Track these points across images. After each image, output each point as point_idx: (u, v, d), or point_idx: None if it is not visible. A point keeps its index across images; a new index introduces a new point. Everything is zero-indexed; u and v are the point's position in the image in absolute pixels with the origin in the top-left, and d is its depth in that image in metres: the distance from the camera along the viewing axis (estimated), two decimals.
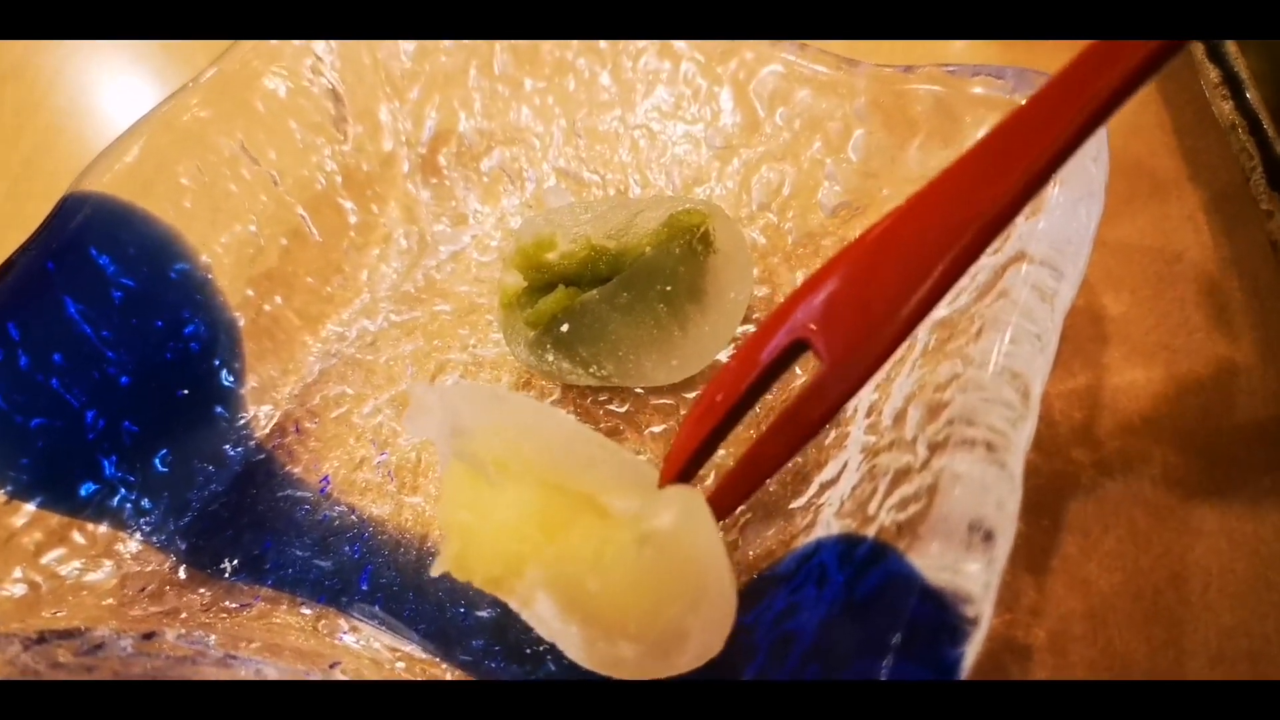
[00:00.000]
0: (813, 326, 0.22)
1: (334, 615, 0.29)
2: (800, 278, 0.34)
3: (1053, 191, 0.24)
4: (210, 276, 0.34)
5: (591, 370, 0.31)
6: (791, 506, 0.28)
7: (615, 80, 0.38)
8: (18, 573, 0.29)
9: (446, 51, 0.39)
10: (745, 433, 0.31)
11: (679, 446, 0.25)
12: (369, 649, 0.28)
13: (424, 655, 0.28)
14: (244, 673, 0.26)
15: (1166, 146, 0.37)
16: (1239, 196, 0.34)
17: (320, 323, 0.37)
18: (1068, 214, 0.24)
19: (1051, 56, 0.22)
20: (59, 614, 0.28)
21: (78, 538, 0.30)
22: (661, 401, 0.33)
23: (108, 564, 0.30)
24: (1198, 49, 0.34)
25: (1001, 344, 0.22)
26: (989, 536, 0.19)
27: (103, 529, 0.31)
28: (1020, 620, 0.27)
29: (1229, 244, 0.34)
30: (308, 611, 0.30)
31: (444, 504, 0.24)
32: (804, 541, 0.26)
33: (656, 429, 0.32)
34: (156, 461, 0.32)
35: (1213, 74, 0.33)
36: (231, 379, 0.34)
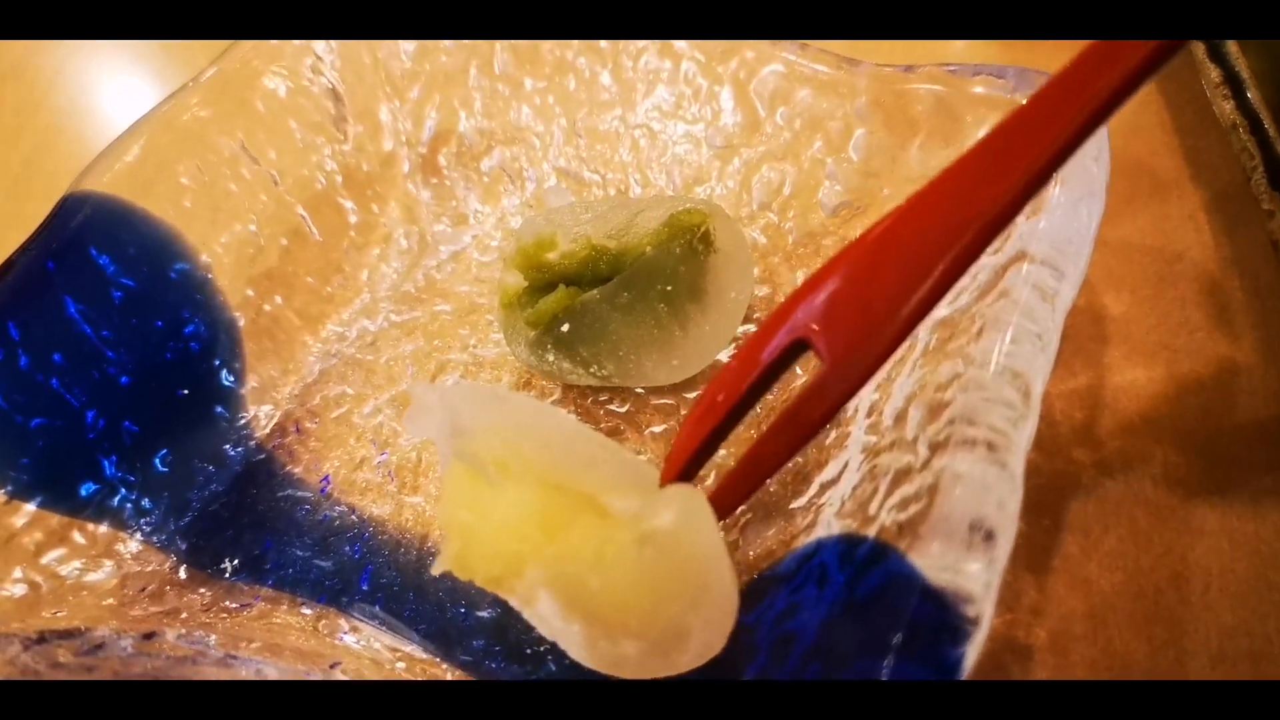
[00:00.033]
0: (813, 326, 0.22)
1: (334, 615, 0.29)
2: (801, 277, 0.34)
3: (1053, 191, 0.24)
4: (210, 276, 0.34)
5: (592, 370, 0.31)
6: (792, 506, 0.28)
7: (616, 80, 0.38)
8: (18, 573, 0.29)
9: (446, 51, 0.39)
10: (746, 433, 0.30)
11: (680, 446, 0.25)
12: (369, 649, 0.28)
13: (424, 655, 0.28)
14: (244, 673, 0.26)
15: (1167, 146, 0.37)
16: (1240, 196, 0.34)
17: (320, 323, 0.37)
18: (1069, 214, 0.24)
19: (1051, 56, 0.22)
20: (59, 614, 0.28)
21: (78, 538, 0.30)
22: (662, 401, 0.33)
23: (108, 564, 0.30)
24: (1198, 49, 0.34)
25: (1002, 344, 0.22)
26: (990, 536, 0.19)
27: (103, 529, 0.31)
28: (1021, 620, 0.27)
29: (1230, 244, 0.34)
30: (308, 611, 0.30)
31: (444, 503, 0.24)
32: (805, 541, 0.26)
33: (657, 429, 0.32)
34: (157, 461, 0.32)
35: (1214, 74, 0.33)
36: (232, 379, 0.34)
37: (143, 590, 0.30)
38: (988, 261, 0.25)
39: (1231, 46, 0.33)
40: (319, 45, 0.38)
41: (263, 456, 0.34)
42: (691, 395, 0.33)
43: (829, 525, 0.25)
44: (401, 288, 0.38)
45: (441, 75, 0.39)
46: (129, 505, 0.31)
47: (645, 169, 0.38)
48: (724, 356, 0.33)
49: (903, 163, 0.32)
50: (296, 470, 0.33)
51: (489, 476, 0.23)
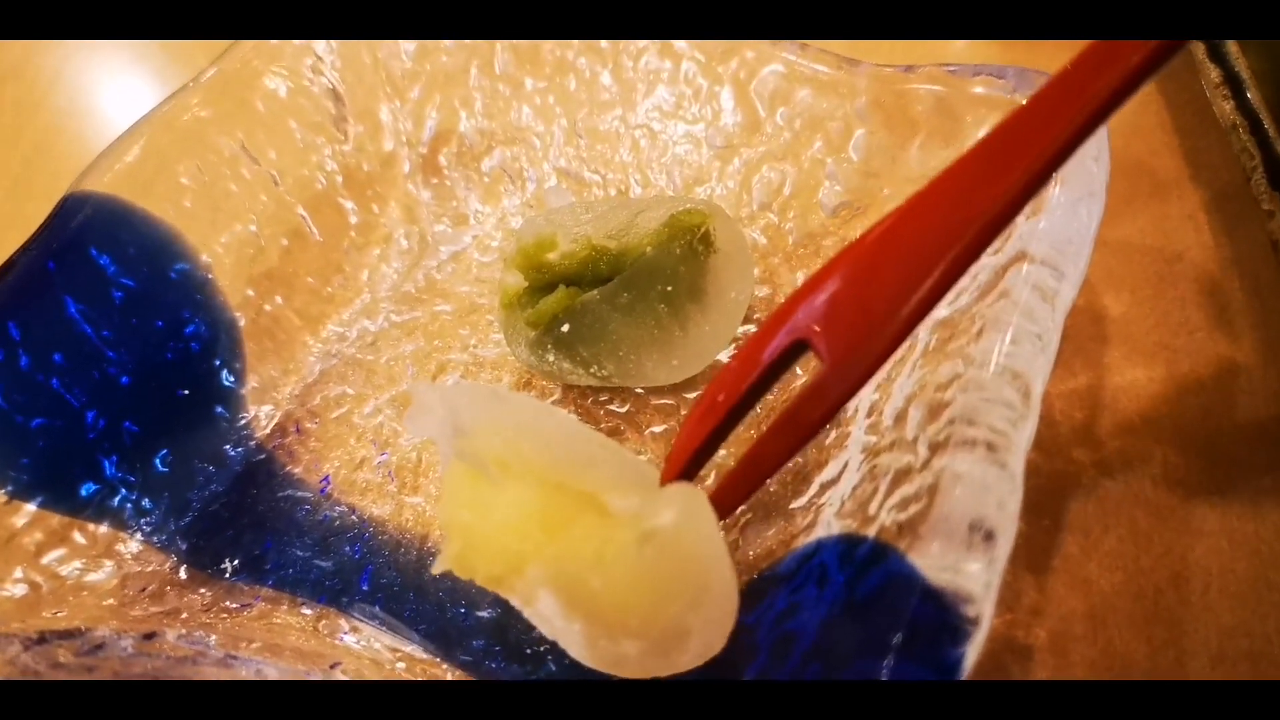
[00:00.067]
0: (814, 327, 0.22)
1: (334, 615, 0.29)
2: (801, 278, 0.34)
3: (1053, 191, 0.24)
4: (210, 276, 0.34)
5: (592, 370, 0.31)
6: (792, 506, 0.28)
7: (616, 80, 0.38)
8: (18, 573, 0.29)
9: (447, 51, 0.39)
10: (746, 433, 0.31)
11: (680, 446, 0.25)
12: (369, 649, 0.28)
13: (425, 655, 0.28)
14: (244, 673, 0.26)
15: (1167, 146, 0.37)
16: (1240, 196, 0.34)
17: (321, 323, 0.37)
18: (1068, 214, 0.24)
19: (1051, 56, 0.22)
20: (59, 614, 0.28)
21: (78, 538, 0.30)
22: (662, 402, 0.33)
23: (108, 564, 0.30)
24: (1198, 49, 0.34)
25: (1002, 344, 0.22)
26: (990, 536, 0.19)
27: (103, 529, 0.31)
28: (1021, 620, 0.27)
29: (1230, 244, 0.34)
30: (308, 612, 0.30)
31: (445, 503, 0.24)
32: (805, 541, 0.26)
33: (657, 429, 0.32)
34: (157, 461, 0.32)
35: (1214, 74, 0.33)
36: (232, 379, 0.34)
37: (143, 590, 0.30)
38: (988, 262, 0.25)
39: (1231, 46, 0.33)
40: (319, 45, 0.38)
41: (263, 457, 0.34)
42: (691, 395, 0.33)
43: (829, 525, 0.25)
44: (402, 288, 0.38)
45: (442, 75, 0.39)
46: (129, 505, 0.31)
47: (645, 169, 0.38)
48: (724, 357, 0.33)
49: (903, 163, 0.32)
50: (297, 470, 0.33)
51: (490, 475, 0.23)
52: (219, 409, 0.34)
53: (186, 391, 0.33)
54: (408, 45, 0.39)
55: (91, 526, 0.30)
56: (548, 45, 0.38)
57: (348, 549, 0.31)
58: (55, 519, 0.30)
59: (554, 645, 0.25)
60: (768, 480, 0.24)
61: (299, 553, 0.31)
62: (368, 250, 0.39)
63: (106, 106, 0.52)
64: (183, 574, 0.31)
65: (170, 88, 0.36)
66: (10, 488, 0.29)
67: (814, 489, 0.27)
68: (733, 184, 0.36)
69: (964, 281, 0.22)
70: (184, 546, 0.31)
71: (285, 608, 0.30)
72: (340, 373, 0.36)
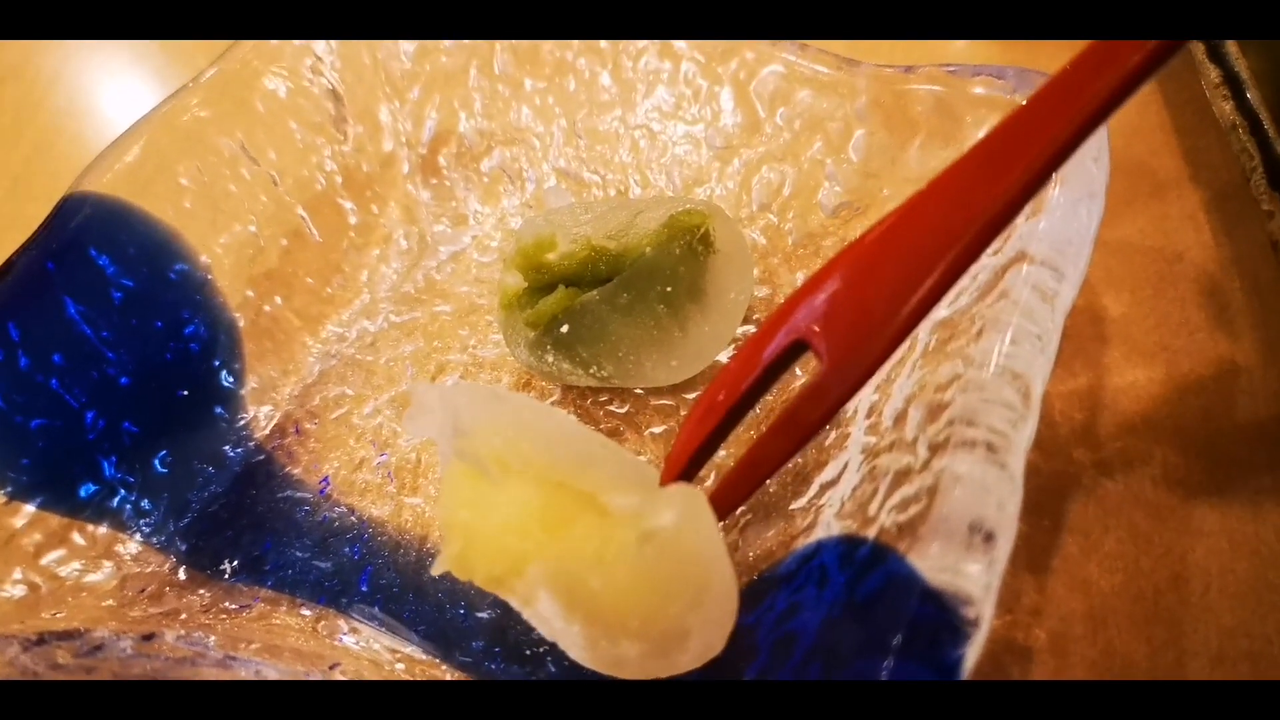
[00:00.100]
0: (813, 327, 0.22)
1: (334, 616, 0.29)
2: (800, 278, 0.34)
3: (1053, 192, 0.24)
4: (210, 277, 0.34)
5: (591, 371, 0.31)
6: (792, 507, 0.28)
7: (615, 80, 0.38)
8: (17, 574, 0.28)
9: (446, 51, 0.39)
10: (746, 433, 0.30)
11: (680, 446, 0.25)
12: (369, 650, 0.28)
13: (424, 657, 0.28)
14: (244, 674, 0.26)
15: (1167, 147, 0.37)
16: (1239, 196, 0.34)
17: (320, 323, 0.37)
18: (1068, 214, 0.24)
19: (1051, 56, 0.22)
20: (58, 615, 0.28)
21: (77, 539, 0.30)
22: (661, 402, 0.33)
23: (107, 565, 0.30)
24: (1198, 49, 0.34)
25: (1002, 345, 0.22)
26: (990, 537, 0.19)
27: (102, 530, 0.31)
28: (1021, 621, 0.27)
29: (1230, 244, 0.34)
30: (307, 613, 0.30)
31: (444, 503, 0.24)
32: (805, 542, 0.26)
33: (657, 430, 0.32)
34: (156, 462, 0.32)
35: (1213, 74, 0.33)
36: (231, 380, 0.34)
37: (142, 591, 0.30)
38: (987, 262, 0.25)
39: (1231, 46, 0.33)
40: (319, 45, 0.38)
41: (262, 457, 0.34)
42: (691, 396, 0.33)
43: (829, 526, 0.25)
44: (401, 288, 0.38)
45: (441, 76, 0.39)
46: (128, 506, 0.31)
47: (645, 170, 0.38)
48: (723, 357, 0.33)
49: (903, 163, 0.32)
50: (296, 471, 0.33)
51: (490, 475, 0.23)
52: (218, 409, 0.34)
53: (186, 392, 0.33)
54: (407, 45, 0.39)
55: (91, 527, 0.30)
56: (547, 46, 0.38)
57: (347, 550, 0.31)
58: (54, 520, 0.30)
59: (553, 646, 0.25)
60: (767, 481, 0.24)
61: (298, 554, 0.31)
62: (367, 251, 0.39)
63: (106, 106, 0.52)
64: (182, 575, 0.31)
65: (170, 88, 0.36)
66: (9, 488, 0.29)
67: (814, 490, 0.27)
68: (732, 184, 0.36)
69: (964, 282, 0.22)
70: (183, 547, 0.31)
71: (284, 609, 0.30)
72: (339, 373, 0.36)
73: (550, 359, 0.31)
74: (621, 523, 0.23)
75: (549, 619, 0.23)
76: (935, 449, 0.21)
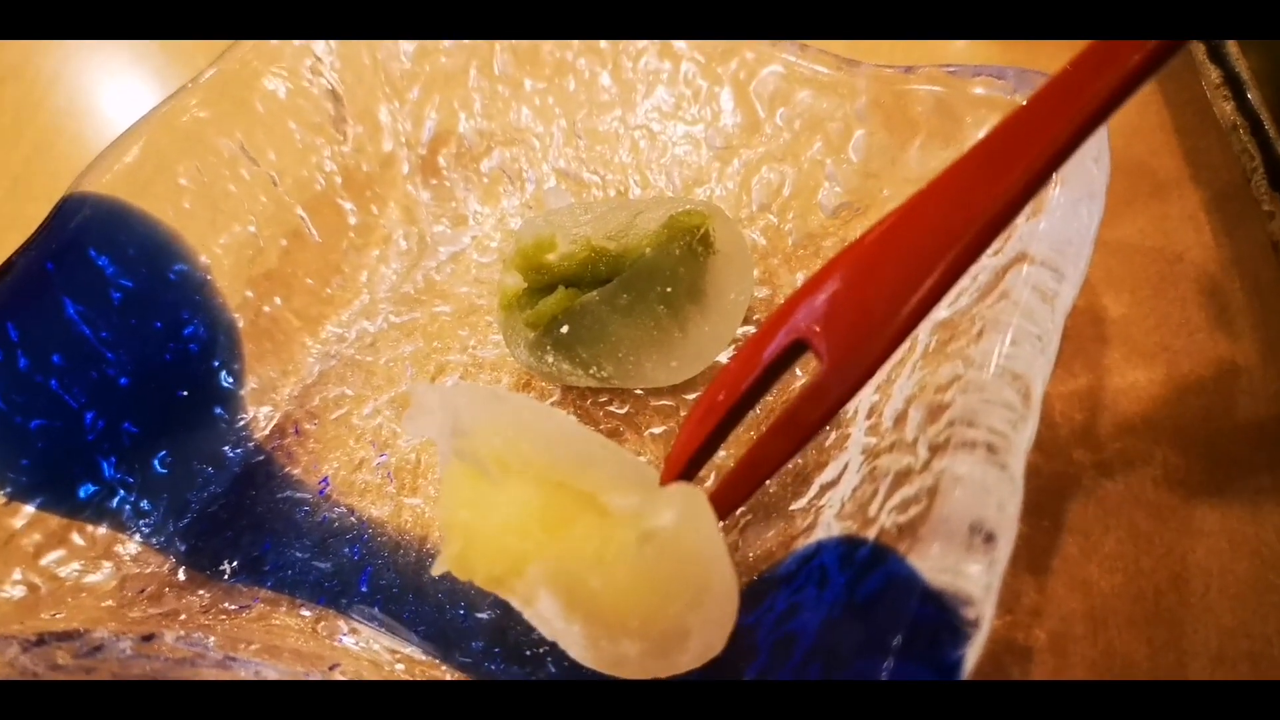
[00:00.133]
0: (813, 327, 0.22)
1: (333, 617, 0.29)
2: (800, 279, 0.34)
3: (1053, 192, 0.24)
4: (209, 277, 0.34)
5: (591, 372, 0.31)
6: (792, 508, 0.28)
7: (615, 81, 0.38)
8: (17, 574, 0.28)
9: (446, 52, 0.39)
10: (745, 433, 0.30)
11: (680, 447, 0.25)
12: (368, 651, 0.28)
13: (424, 657, 0.28)
14: (243, 674, 0.26)
15: (1167, 147, 0.37)
16: (1240, 197, 0.34)
17: (320, 324, 0.37)
18: (1068, 215, 0.24)
19: (1051, 56, 0.22)
20: (58, 616, 0.28)
21: (77, 539, 0.30)
22: (661, 403, 0.33)
23: (107, 565, 0.30)
24: (1198, 49, 0.34)
25: (1002, 345, 0.22)
26: (990, 538, 0.19)
27: (102, 530, 0.31)
28: (1021, 621, 0.27)
29: (1230, 244, 0.34)
30: (307, 613, 0.30)
31: (444, 503, 0.24)
32: (805, 543, 0.26)
33: (656, 430, 0.32)
34: (156, 463, 0.32)
35: (1214, 74, 0.33)
36: (231, 380, 0.34)
37: (142, 592, 0.30)
38: (988, 263, 0.25)
39: (1231, 47, 0.33)
40: (319, 46, 0.38)
41: (262, 458, 0.34)
42: (691, 396, 0.33)
43: (829, 527, 0.25)
44: (401, 289, 0.38)
45: (441, 76, 0.39)
46: (128, 507, 0.31)
47: (645, 170, 0.38)
48: (723, 358, 0.33)
49: (903, 163, 0.32)
50: (295, 472, 0.33)
51: (490, 475, 0.23)
52: (218, 410, 0.34)
53: (185, 393, 0.33)
54: (407, 46, 0.39)
55: (90, 528, 0.30)
56: (547, 46, 0.38)
57: (347, 550, 0.31)
58: (54, 520, 0.30)
59: (554, 647, 0.25)
60: (767, 481, 0.24)
61: (298, 554, 0.31)
62: (367, 251, 0.39)
63: (106, 106, 0.52)
64: (181, 575, 0.31)
65: (170, 88, 0.36)
66: (9, 489, 0.29)
67: (814, 490, 0.27)
68: (732, 185, 0.36)
69: (964, 282, 0.22)
70: (183, 548, 0.31)
71: (284, 609, 0.30)
72: (339, 374, 0.36)
73: (550, 359, 0.31)
74: (621, 523, 0.23)
75: (549, 619, 0.23)
76: (935, 450, 0.21)
